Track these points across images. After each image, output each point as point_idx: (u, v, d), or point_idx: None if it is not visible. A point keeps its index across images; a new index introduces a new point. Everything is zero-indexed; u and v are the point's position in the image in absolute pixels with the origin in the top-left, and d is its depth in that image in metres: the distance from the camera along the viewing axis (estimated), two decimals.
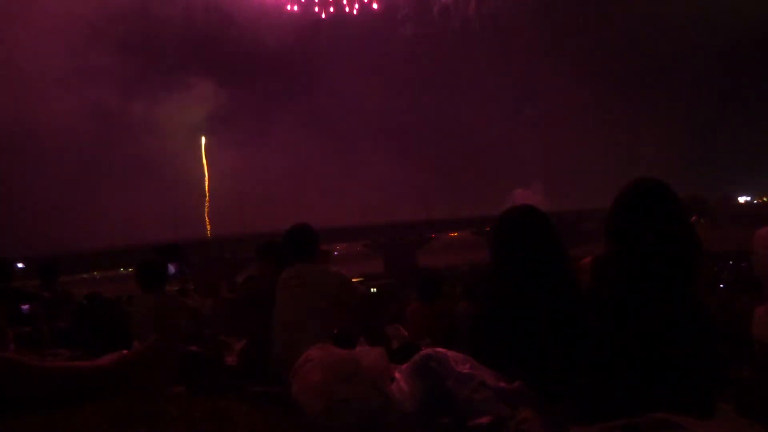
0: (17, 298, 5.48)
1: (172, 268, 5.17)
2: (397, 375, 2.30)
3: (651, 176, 2.30)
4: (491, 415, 2.01)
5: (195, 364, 3.84)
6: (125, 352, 3.76)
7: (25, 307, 5.43)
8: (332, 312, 3.70)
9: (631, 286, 2.14)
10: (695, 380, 2.01)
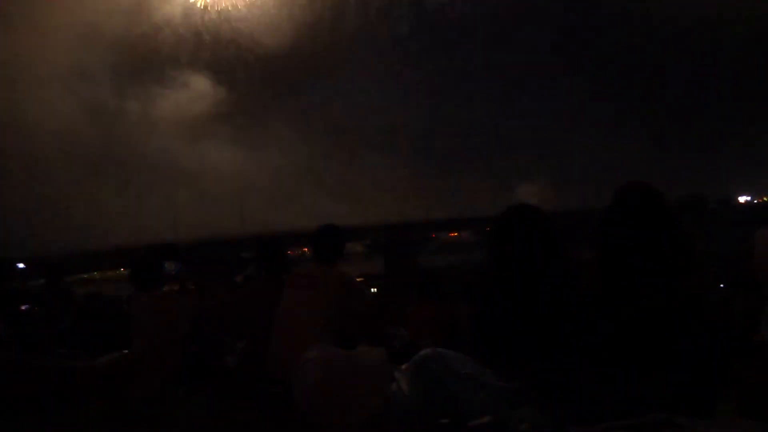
0: (17, 298, 5.48)
1: (173, 267, 5.17)
2: (397, 375, 2.30)
3: (640, 180, 2.34)
4: (491, 415, 2.01)
5: (195, 364, 3.84)
6: (125, 352, 3.78)
7: (25, 307, 5.43)
8: (338, 315, 3.69)
9: (627, 288, 2.15)
10: (696, 380, 2.01)
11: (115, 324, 4.86)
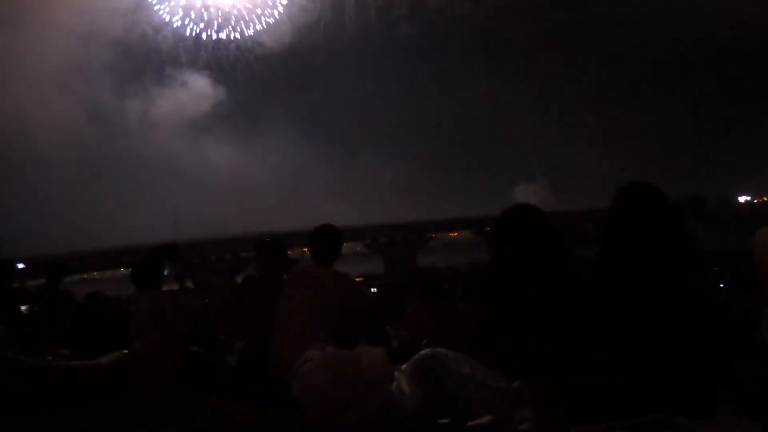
0: (17, 298, 5.49)
1: (175, 267, 5.15)
2: (397, 375, 2.30)
3: (643, 180, 2.33)
4: (491, 415, 2.01)
5: (195, 364, 3.84)
6: (125, 352, 3.78)
7: (25, 307, 5.43)
8: (337, 315, 3.69)
9: (627, 287, 2.15)
10: (696, 380, 2.01)
11: (115, 324, 4.85)
